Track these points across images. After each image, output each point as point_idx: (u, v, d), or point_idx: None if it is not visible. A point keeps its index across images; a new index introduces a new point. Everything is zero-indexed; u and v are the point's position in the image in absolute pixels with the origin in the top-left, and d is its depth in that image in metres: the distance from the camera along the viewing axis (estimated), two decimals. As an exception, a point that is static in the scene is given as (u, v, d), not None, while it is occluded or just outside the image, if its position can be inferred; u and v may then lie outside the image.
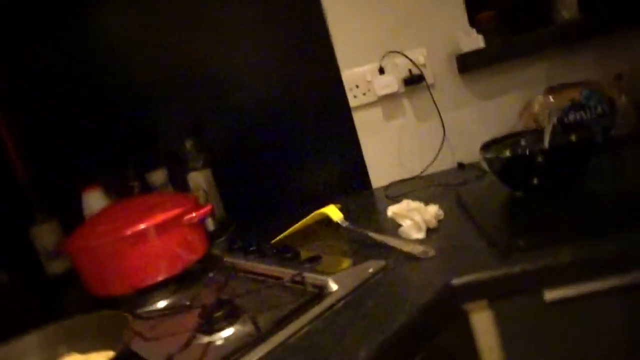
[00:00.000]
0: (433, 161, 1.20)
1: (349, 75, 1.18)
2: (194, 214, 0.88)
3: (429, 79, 1.15)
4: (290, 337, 0.61)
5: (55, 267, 1.22)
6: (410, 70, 1.15)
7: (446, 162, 1.19)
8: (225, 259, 0.95)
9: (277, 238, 0.98)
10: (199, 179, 1.18)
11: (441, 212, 0.85)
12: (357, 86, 1.19)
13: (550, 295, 0.62)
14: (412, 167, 1.21)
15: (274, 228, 1.04)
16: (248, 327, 0.65)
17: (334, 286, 0.69)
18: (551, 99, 1.05)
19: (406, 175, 1.21)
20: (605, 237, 0.62)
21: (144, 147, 1.25)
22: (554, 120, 0.92)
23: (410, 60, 1.14)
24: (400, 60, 1.15)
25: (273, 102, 1.21)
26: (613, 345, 0.65)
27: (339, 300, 0.66)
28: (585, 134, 0.85)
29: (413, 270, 0.70)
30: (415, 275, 0.69)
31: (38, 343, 0.65)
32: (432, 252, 0.72)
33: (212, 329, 0.66)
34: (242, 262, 0.88)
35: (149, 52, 1.22)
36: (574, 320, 0.64)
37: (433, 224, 0.81)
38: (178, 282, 0.89)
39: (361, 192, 1.22)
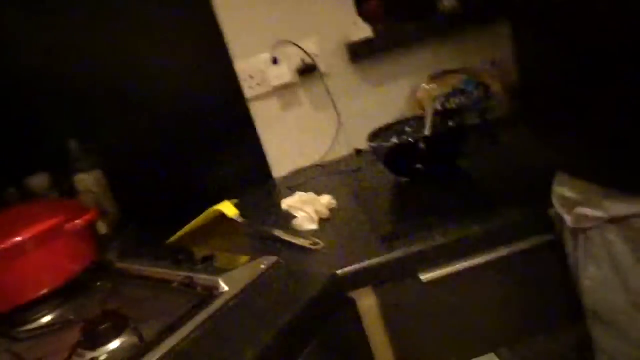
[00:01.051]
0: (330, 149, 1.22)
1: (242, 66, 1.16)
2: (77, 221, 0.83)
3: (322, 68, 1.16)
4: (177, 344, 0.59)
5: None
6: (303, 60, 1.16)
7: (344, 149, 1.23)
8: (117, 265, 0.90)
9: (172, 239, 0.95)
10: (87, 181, 1.11)
11: (334, 202, 0.87)
12: (251, 77, 1.17)
13: (425, 276, 0.66)
14: (311, 155, 1.23)
15: (173, 229, 1.01)
16: (134, 339, 0.63)
17: (224, 286, 0.68)
18: (434, 86, 1.10)
19: (306, 163, 1.23)
20: (473, 219, 0.68)
21: (21, 149, 1.15)
22: (437, 106, 0.97)
23: (303, 49, 1.15)
24: (293, 50, 1.16)
25: (170, 97, 1.17)
26: (486, 316, 0.71)
27: (228, 301, 0.66)
28: (461, 120, 0.91)
29: (304, 264, 0.72)
30: (306, 268, 0.70)
31: None
32: (321, 244, 0.74)
33: (95, 344, 0.63)
34: (134, 267, 0.85)
35: (30, 33, 1.11)
36: (449, 297, 0.69)
37: (325, 214, 0.83)
38: (63, 295, 0.84)
39: (264, 184, 1.21)
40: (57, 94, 1.14)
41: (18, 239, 0.77)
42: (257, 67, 1.16)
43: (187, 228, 0.95)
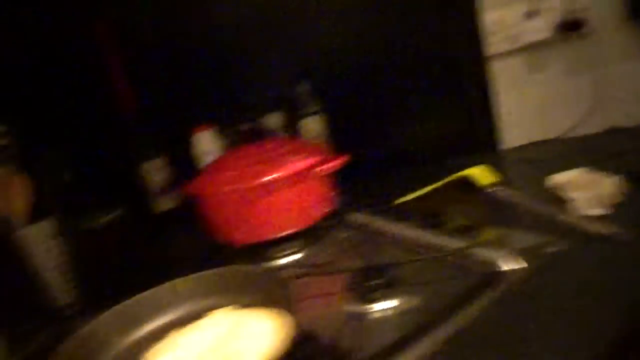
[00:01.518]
0: (578, 124, 1.04)
1: (490, 17, 1.03)
2: (327, 165, 0.80)
3: (590, 25, 0.97)
4: (466, 323, 0.52)
5: (163, 204, 1.20)
6: (566, 14, 0.98)
7: (594, 126, 1.04)
8: (353, 218, 0.87)
9: (402, 199, 0.89)
10: (312, 125, 1.10)
11: (624, 185, 0.72)
12: (497, 31, 1.03)
13: None
14: (552, 128, 1.06)
15: (390, 187, 0.96)
16: (407, 303, 0.58)
17: (504, 266, 0.59)
18: None
19: (544, 136, 1.07)
20: None
21: (255, 90, 1.18)
22: None
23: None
24: (555, 2, 0.98)
25: (394, 46, 1.09)
26: None
27: (517, 283, 0.57)
28: None
29: (604, 255, 0.59)
30: (610, 262, 0.58)
31: (182, 292, 0.61)
32: (627, 234, 0.60)
33: (365, 298, 0.59)
34: (379, 224, 0.80)
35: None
36: None
37: (617, 198, 0.69)
38: (304, 238, 0.83)
39: (487, 154, 1.09)
40: (282, 44, 1.14)
41: (274, 175, 0.77)
42: (508, 20, 1.02)
43: (424, 190, 0.87)
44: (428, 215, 0.77)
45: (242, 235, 0.81)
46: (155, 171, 1.18)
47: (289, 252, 0.81)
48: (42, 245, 0.76)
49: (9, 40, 1.00)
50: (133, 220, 1.08)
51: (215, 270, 0.62)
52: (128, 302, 0.59)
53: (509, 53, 1.04)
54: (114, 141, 1.17)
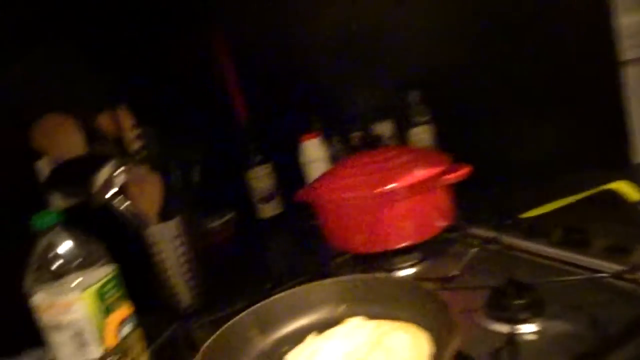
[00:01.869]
0: None
1: (626, 21, 0.94)
2: (452, 175, 0.77)
3: None
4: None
5: (267, 211, 1.22)
6: None
7: None
8: (473, 230, 0.83)
9: (529, 213, 0.83)
10: (423, 135, 1.07)
11: None
12: (633, 35, 0.95)
13: None
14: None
15: (512, 200, 0.90)
16: (561, 327, 0.53)
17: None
18: None
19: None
20: None
21: (363, 98, 1.17)
22: None
23: None
24: None
25: (513, 51, 1.03)
26: None
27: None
28: None
29: None
30: None
31: (319, 297, 0.60)
32: None
33: (511, 319, 0.55)
34: (508, 239, 0.75)
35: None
36: None
37: None
38: (423, 250, 0.80)
39: (617, 167, 0.99)
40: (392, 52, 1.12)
41: (396, 184, 0.75)
42: (646, 23, 0.93)
43: (558, 203, 0.81)
44: (567, 231, 0.70)
45: (360, 244, 0.79)
46: (261, 178, 1.21)
47: (407, 264, 0.78)
48: (170, 243, 0.79)
49: (139, 52, 1.07)
50: (241, 224, 1.10)
51: (355, 277, 0.61)
52: (266, 302, 0.59)
53: (646, 59, 0.95)
54: (227, 147, 1.20)
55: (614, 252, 0.63)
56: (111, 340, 0.51)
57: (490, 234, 0.79)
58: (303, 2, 1.20)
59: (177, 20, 1.16)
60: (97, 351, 0.50)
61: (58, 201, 0.77)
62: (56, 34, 0.88)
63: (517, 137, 1.07)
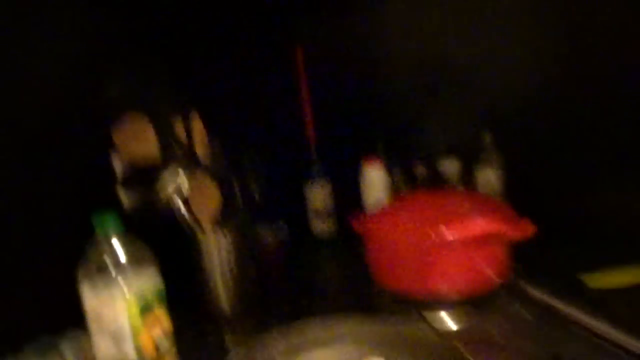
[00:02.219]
0: None
1: None
2: (515, 232, 0.73)
3: None
4: None
5: (321, 227, 1.23)
6: None
7: None
8: (527, 291, 0.78)
9: (595, 280, 0.77)
10: (491, 178, 1.03)
11: None
12: None
13: None
14: None
15: (579, 264, 0.83)
16: None
17: None
18: None
19: None
20: None
21: (431, 132, 1.14)
22: None
23: None
24: None
25: (598, 98, 0.95)
26: None
27: None
28: None
29: None
30: None
31: (347, 332, 0.60)
32: None
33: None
34: (566, 307, 0.70)
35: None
36: None
37: None
38: (471, 305, 0.77)
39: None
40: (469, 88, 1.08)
41: (458, 234, 0.72)
42: None
43: (631, 275, 0.74)
44: (633, 311, 0.64)
45: (406, 287, 0.77)
46: (319, 194, 1.21)
47: (453, 316, 0.75)
48: (220, 253, 0.81)
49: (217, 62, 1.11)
50: (294, 239, 1.11)
51: (393, 324, 0.59)
52: (297, 326, 0.60)
53: None
54: (291, 161, 1.23)
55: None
56: (146, 345, 0.53)
57: (547, 299, 0.74)
58: (387, 26, 1.19)
59: (257, 33, 1.20)
60: (132, 352, 0.52)
61: (127, 200, 0.82)
62: (144, 43, 0.94)
63: (594, 192, 0.99)
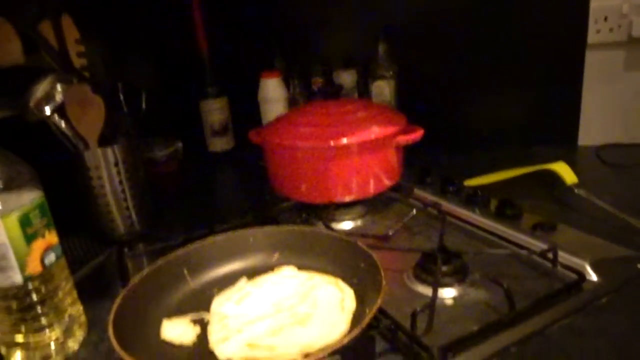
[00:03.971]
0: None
1: (599, 4, 0.94)
2: (406, 137, 0.77)
3: None
4: (545, 326, 0.50)
5: (218, 145, 1.20)
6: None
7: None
8: (415, 193, 0.85)
9: (473, 181, 0.86)
10: (385, 89, 1.06)
11: None
12: (605, 18, 0.95)
13: None
14: (636, 134, 1.00)
15: (458, 167, 0.92)
16: (480, 295, 0.56)
17: (593, 275, 0.57)
18: None
19: (627, 140, 1.01)
20: None
21: (330, 44, 1.13)
22: None
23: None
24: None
25: (485, 17, 1.01)
26: None
27: (601, 296, 0.54)
28: None
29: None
30: None
31: (255, 242, 0.61)
32: None
33: (436, 282, 0.57)
34: (448, 204, 0.77)
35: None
36: None
37: None
38: (366, 206, 0.82)
39: (561, 146, 1.03)
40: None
41: (351, 140, 0.74)
42: (620, 8, 0.93)
43: (499, 175, 0.84)
44: (503, 204, 0.73)
45: (305, 193, 0.79)
46: (214, 111, 1.17)
47: (348, 217, 0.80)
48: (109, 169, 0.76)
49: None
50: (188, 157, 1.07)
51: (292, 227, 0.61)
52: (203, 242, 0.59)
53: (608, 45, 0.96)
54: (181, 75, 1.15)
55: (540, 230, 0.67)
56: (34, 268, 0.50)
57: (433, 198, 0.81)
58: None
59: None
60: (18, 277, 0.49)
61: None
62: None
63: (477, 106, 1.08)
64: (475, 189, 0.81)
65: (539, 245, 0.63)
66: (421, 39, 1.06)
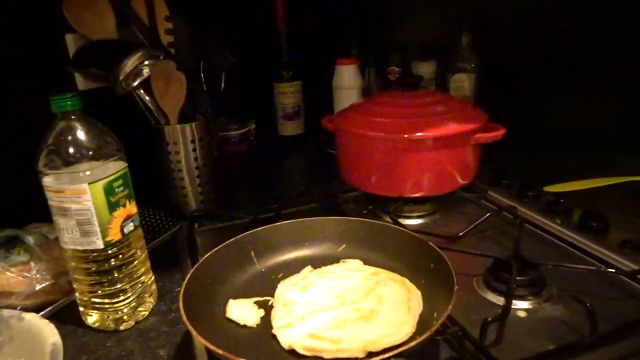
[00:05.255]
0: None
1: None
2: (485, 135, 0.73)
3: None
4: (630, 354, 0.46)
5: (288, 129, 1.20)
6: None
7: None
8: (490, 194, 0.81)
9: (554, 187, 0.80)
10: (464, 83, 1.01)
11: None
12: None
13: None
14: None
15: (540, 171, 0.86)
16: (556, 310, 0.52)
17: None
18: None
19: None
20: None
21: (408, 33, 1.09)
22: None
23: None
24: None
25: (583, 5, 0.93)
26: None
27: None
28: None
29: None
30: None
31: (322, 231, 0.61)
32: None
33: (507, 292, 0.54)
34: (526, 211, 0.73)
35: None
36: None
37: None
38: (436, 203, 0.79)
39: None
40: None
41: (428, 134, 0.71)
42: None
43: (583, 184, 0.78)
44: (588, 215, 0.68)
45: (374, 185, 0.78)
46: (288, 94, 1.17)
47: (417, 214, 0.78)
48: (186, 146, 0.78)
49: None
50: (259, 139, 1.09)
51: (362, 220, 0.60)
52: (270, 227, 0.60)
53: None
54: (258, 58, 1.16)
55: (630, 247, 0.62)
56: (114, 235, 0.52)
57: (508, 202, 0.77)
58: None
59: None
60: (100, 242, 0.51)
61: (82, 82, 0.76)
62: None
63: (564, 106, 1.00)
64: (557, 195, 0.75)
65: (628, 264, 0.57)
66: (510, 30, 1.00)
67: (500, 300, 0.55)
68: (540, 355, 0.46)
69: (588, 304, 0.48)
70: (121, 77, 0.71)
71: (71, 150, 0.50)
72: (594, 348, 0.47)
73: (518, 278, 0.55)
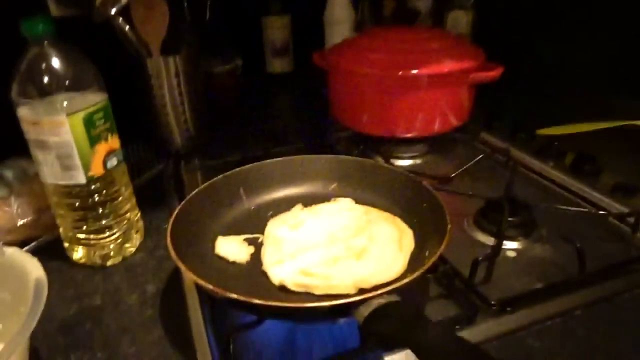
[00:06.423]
0: None
1: None
2: (481, 74, 0.71)
3: None
4: (616, 293, 0.47)
5: (277, 66, 1.16)
6: None
7: None
8: (482, 136, 0.79)
9: (547, 130, 0.79)
10: (461, 20, 0.97)
11: None
12: None
13: None
14: None
15: (534, 113, 0.85)
16: (546, 251, 0.53)
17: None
18: None
19: None
20: None
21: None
22: None
23: None
24: None
25: None
26: None
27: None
28: None
29: None
30: None
31: (313, 170, 0.59)
32: None
33: (497, 232, 0.54)
34: (519, 153, 0.72)
35: None
36: None
37: None
38: (429, 144, 0.77)
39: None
40: None
41: (423, 71, 0.69)
42: None
43: (576, 127, 0.76)
44: (581, 159, 0.67)
45: (367, 124, 0.76)
46: (277, 28, 1.12)
47: (409, 154, 0.77)
48: (170, 79, 0.75)
49: None
50: (246, 75, 1.04)
51: (354, 159, 0.59)
52: (259, 164, 0.58)
53: None
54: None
55: (620, 191, 0.62)
56: (97, 170, 0.50)
57: (502, 144, 0.76)
58: None
59: None
60: (82, 177, 0.49)
61: (56, 8, 0.71)
62: None
63: (562, 46, 0.97)
64: (550, 138, 0.74)
65: (618, 207, 0.58)
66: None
67: (490, 241, 0.55)
68: (528, 294, 0.46)
69: (578, 244, 0.48)
70: (97, 3, 0.66)
71: (46, 79, 0.47)
72: (582, 287, 0.47)
73: (509, 219, 0.55)
